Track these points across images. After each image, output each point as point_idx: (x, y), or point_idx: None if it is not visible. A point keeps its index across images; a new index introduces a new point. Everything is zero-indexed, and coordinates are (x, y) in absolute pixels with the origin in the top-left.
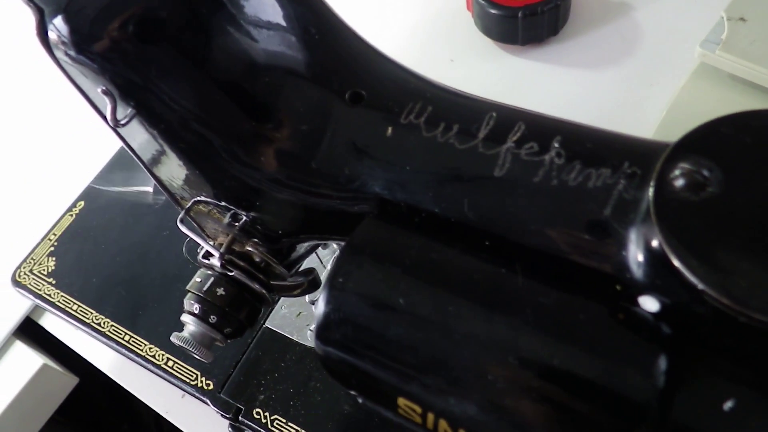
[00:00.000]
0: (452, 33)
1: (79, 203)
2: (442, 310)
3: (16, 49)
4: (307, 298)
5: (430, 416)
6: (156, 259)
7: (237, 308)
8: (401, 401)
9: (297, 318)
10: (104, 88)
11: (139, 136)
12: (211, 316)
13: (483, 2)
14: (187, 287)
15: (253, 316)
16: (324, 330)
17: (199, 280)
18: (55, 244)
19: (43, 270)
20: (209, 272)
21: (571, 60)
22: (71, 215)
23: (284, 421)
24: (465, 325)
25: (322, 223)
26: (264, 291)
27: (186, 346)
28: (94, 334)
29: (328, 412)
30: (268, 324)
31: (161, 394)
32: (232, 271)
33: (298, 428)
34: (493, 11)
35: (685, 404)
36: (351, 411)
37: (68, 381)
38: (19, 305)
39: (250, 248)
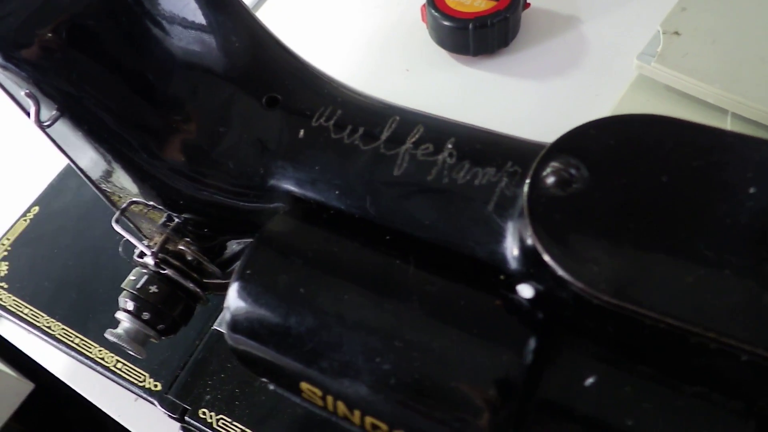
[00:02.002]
0: (408, 44)
1: (33, 208)
2: (338, 298)
3: None
4: None
5: (329, 399)
6: (108, 263)
7: (170, 306)
8: (304, 386)
9: None
10: (27, 91)
11: (67, 136)
12: (144, 313)
13: (436, 14)
14: (122, 285)
15: (187, 314)
16: (233, 320)
17: (133, 278)
18: (9, 249)
19: None
20: (143, 270)
21: (520, 71)
22: (25, 220)
23: (229, 420)
24: (357, 312)
25: (244, 221)
26: (198, 289)
27: (120, 342)
28: (45, 338)
29: (271, 410)
30: (215, 326)
31: (114, 398)
32: (165, 270)
33: (243, 427)
34: (445, 23)
35: (551, 381)
36: (295, 409)
37: (23, 386)
38: None
39: (182, 247)
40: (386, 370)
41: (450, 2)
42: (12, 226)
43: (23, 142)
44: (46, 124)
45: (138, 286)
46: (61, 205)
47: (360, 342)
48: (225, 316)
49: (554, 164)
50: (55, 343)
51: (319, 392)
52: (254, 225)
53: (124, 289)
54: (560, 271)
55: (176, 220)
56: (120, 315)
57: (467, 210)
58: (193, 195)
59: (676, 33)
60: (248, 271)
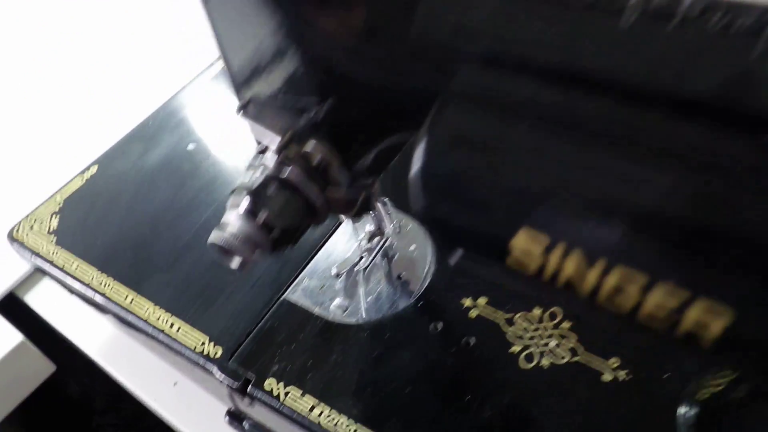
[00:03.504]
0: None
1: (92, 167)
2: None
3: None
4: (334, 270)
5: (557, 252)
6: (168, 228)
7: (288, 213)
8: (519, 241)
9: (320, 291)
10: None
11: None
12: (261, 213)
13: None
14: (234, 188)
15: (300, 230)
16: (424, 177)
17: (247, 180)
18: (61, 204)
19: (45, 228)
20: (260, 172)
21: None
22: (82, 179)
23: (300, 392)
24: (576, 156)
25: (400, 111)
26: (317, 200)
27: (227, 246)
28: (93, 295)
29: (348, 387)
30: (287, 296)
31: (150, 382)
32: (286, 173)
33: (316, 399)
34: None
35: None
36: (373, 391)
37: (45, 366)
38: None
39: (309, 150)
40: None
41: None
42: (67, 184)
43: (89, 101)
44: None
45: (255, 186)
46: (122, 168)
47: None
48: (414, 174)
49: None
50: (104, 301)
51: (545, 241)
52: (412, 116)
53: (236, 189)
54: None
55: (312, 113)
56: (229, 216)
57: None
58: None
59: None
60: (438, 123)
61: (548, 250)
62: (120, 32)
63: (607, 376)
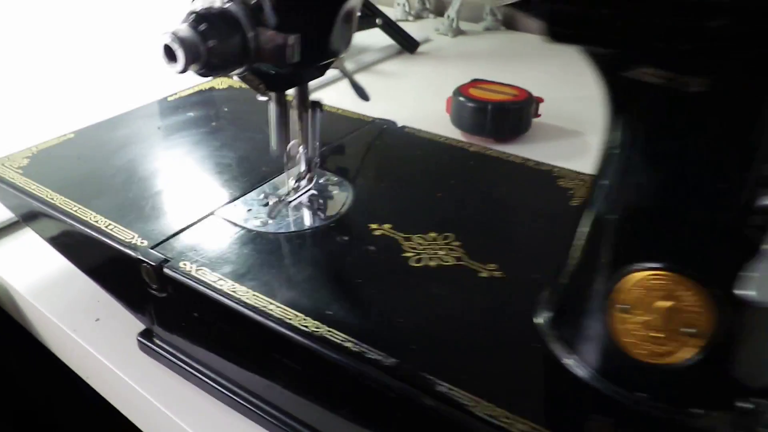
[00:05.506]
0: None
1: (70, 134)
2: None
3: None
4: (261, 195)
5: None
6: (128, 171)
7: (225, 41)
8: None
9: (248, 213)
10: None
11: None
12: (201, 25)
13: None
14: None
15: (232, 63)
16: None
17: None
18: (35, 153)
19: (15, 164)
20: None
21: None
22: (59, 140)
23: (216, 276)
24: None
25: None
26: (251, 38)
27: (173, 45)
28: (42, 206)
29: (258, 274)
30: (216, 212)
31: (74, 315)
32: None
33: (230, 281)
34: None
35: None
36: (280, 275)
37: None
38: None
39: None
40: None
41: (473, 92)
42: (44, 142)
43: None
44: None
45: (203, 9)
46: (97, 136)
47: None
48: None
49: None
50: (51, 211)
51: None
52: None
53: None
54: None
55: None
56: (180, 26)
57: None
58: None
59: None
60: None
61: None
62: None
63: (484, 274)
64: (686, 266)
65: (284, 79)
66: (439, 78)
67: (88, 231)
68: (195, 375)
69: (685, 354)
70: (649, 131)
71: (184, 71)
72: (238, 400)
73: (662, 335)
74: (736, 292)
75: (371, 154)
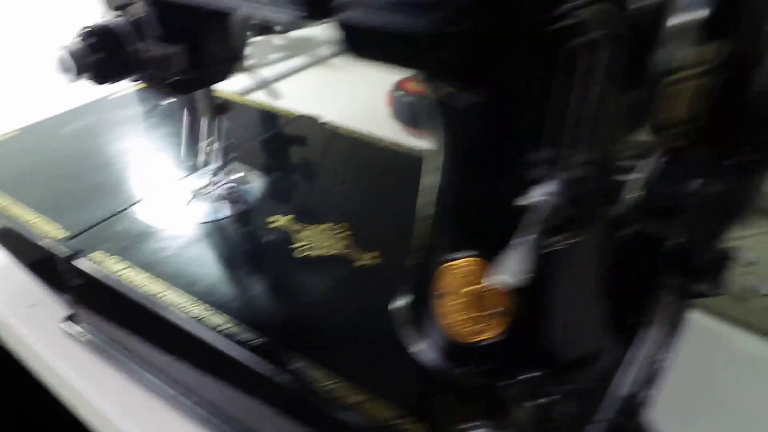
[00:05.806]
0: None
1: (13, 132)
2: None
3: None
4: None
5: None
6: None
7: (112, 44)
8: None
9: (166, 205)
10: None
11: None
12: (90, 39)
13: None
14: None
15: (124, 66)
16: None
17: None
18: None
19: None
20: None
21: None
22: (3, 137)
23: (121, 258)
24: None
25: None
26: (133, 49)
27: (63, 61)
28: None
29: (166, 262)
30: (139, 205)
31: (9, 304)
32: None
33: (142, 270)
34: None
35: None
36: (183, 261)
37: None
38: None
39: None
40: None
41: (411, 86)
42: None
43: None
44: None
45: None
46: (42, 137)
47: None
48: None
49: None
50: None
51: None
52: None
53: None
54: None
55: None
56: (74, 42)
57: None
58: None
59: None
60: None
61: None
62: None
63: (361, 263)
64: (486, 253)
65: (184, 83)
66: (386, 72)
67: (13, 224)
68: (113, 355)
69: (496, 331)
70: (446, 138)
71: (76, 80)
72: (155, 380)
73: (476, 316)
74: (495, 277)
75: (289, 149)
